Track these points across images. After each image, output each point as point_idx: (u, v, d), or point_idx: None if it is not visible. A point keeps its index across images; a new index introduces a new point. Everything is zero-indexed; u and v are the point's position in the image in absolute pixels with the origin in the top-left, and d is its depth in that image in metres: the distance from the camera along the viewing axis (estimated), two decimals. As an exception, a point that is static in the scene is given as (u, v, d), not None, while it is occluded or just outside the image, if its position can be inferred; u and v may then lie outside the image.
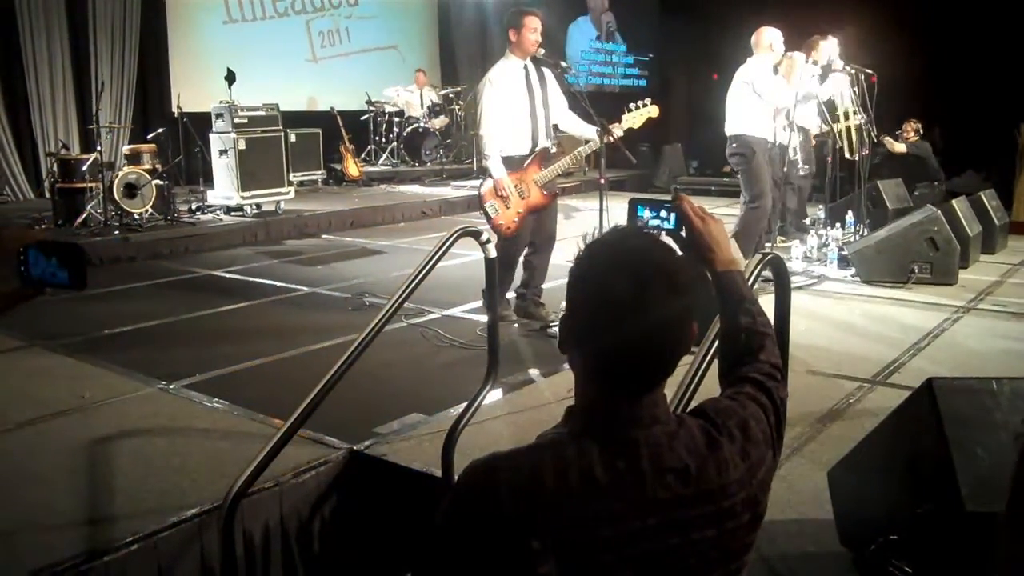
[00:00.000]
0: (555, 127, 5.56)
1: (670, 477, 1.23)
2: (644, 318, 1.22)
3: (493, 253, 3.29)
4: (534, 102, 5.28)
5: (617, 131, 5.17)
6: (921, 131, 10.14)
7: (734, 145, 6.72)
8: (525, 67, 5.30)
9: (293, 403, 2.83)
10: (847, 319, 5.53)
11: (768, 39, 6.69)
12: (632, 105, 5.32)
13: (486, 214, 5.26)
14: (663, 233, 1.69)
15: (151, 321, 5.69)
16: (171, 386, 4.32)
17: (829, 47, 7.48)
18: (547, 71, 5.39)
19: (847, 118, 7.76)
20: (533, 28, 5.21)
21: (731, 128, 6.73)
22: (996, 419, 2.40)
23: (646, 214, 1.76)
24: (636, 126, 5.35)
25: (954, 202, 6.81)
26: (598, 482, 1.20)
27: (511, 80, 5.27)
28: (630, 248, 1.30)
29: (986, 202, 7.45)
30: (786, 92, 6.71)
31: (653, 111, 5.35)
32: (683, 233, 1.68)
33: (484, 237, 3.23)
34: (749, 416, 1.37)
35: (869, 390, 4.15)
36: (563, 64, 5.62)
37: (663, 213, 1.73)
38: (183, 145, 9.98)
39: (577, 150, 5.45)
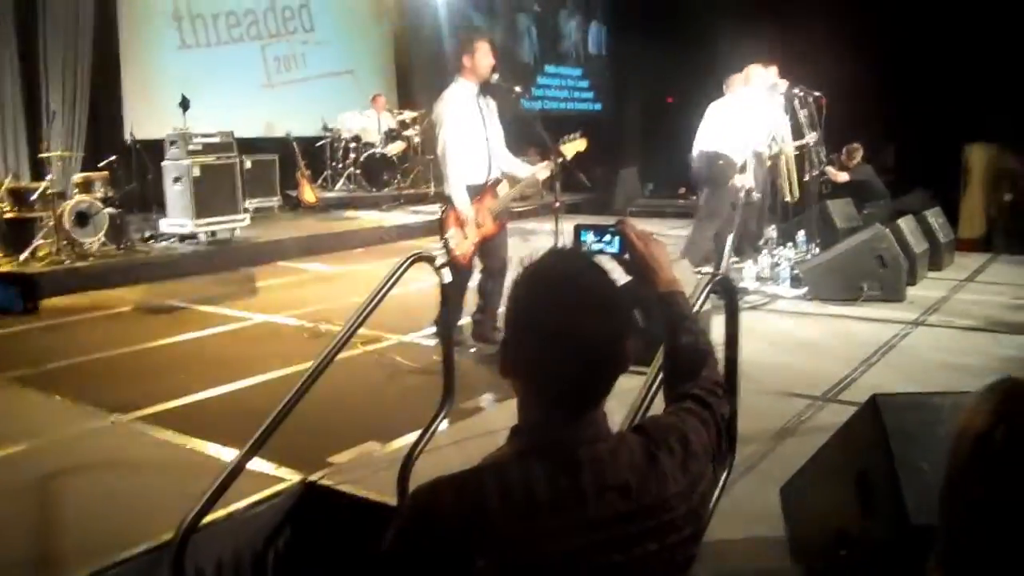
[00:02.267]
0: None
1: (611, 494, 1.25)
2: (576, 339, 1.25)
3: (448, 278, 3.30)
4: (487, 129, 5.28)
5: (544, 172, 5.25)
6: (862, 155, 10.31)
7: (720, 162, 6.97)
8: (477, 93, 5.30)
9: (247, 434, 2.81)
10: (799, 337, 5.62)
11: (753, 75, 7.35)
12: (566, 137, 5.37)
13: (446, 244, 5.20)
14: (608, 257, 1.72)
15: (102, 352, 5.60)
16: (122, 418, 4.25)
17: (765, 74, 7.73)
18: (491, 102, 5.40)
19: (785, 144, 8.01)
20: (486, 52, 5.24)
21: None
22: (939, 433, 2.44)
23: (590, 238, 1.79)
24: (569, 157, 5.37)
25: (901, 221, 6.97)
26: (541, 501, 1.22)
27: (466, 105, 5.26)
28: (562, 271, 1.33)
29: (932, 220, 7.62)
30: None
31: (581, 144, 5.38)
32: (627, 256, 1.72)
33: (438, 262, 3.24)
34: (689, 431, 1.40)
35: (820, 407, 4.21)
36: (517, 89, 5.67)
37: (606, 237, 1.76)
38: (136, 172, 9.87)
39: (524, 179, 5.45)
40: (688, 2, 13.66)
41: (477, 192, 5.24)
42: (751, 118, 7.19)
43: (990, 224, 10.85)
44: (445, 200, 5.30)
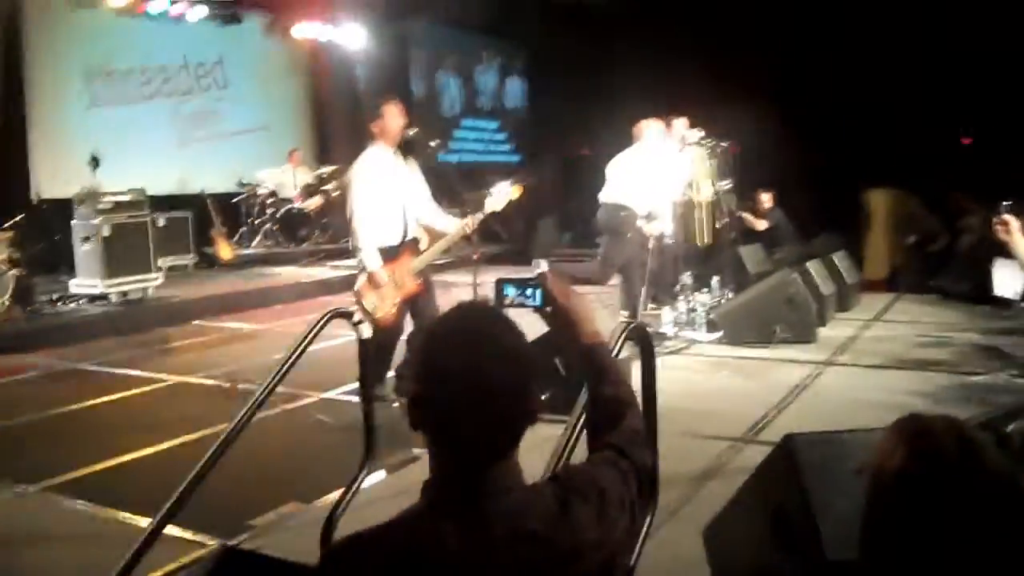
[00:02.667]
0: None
1: (523, 544, 1.26)
2: (480, 391, 1.28)
3: (366, 334, 3.28)
4: (403, 192, 5.28)
5: (471, 225, 5.30)
6: (774, 199, 10.64)
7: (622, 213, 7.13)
8: (392, 156, 5.31)
9: (162, 500, 2.73)
10: (717, 380, 5.74)
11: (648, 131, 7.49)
12: (495, 188, 5.45)
13: (364, 311, 5.08)
14: (533, 310, 1.75)
15: (7, 420, 5.37)
16: (30, 488, 4.08)
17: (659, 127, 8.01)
18: (412, 162, 5.44)
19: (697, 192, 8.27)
20: (395, 115, 5.27)
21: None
22: (850, 468, 2.52)
23: (512, 292, 1.81)
24: (499, 208, 5.46)
25: (809, 264, 7.22)
26: (452, 554, 1.23)
27: (380, 170, 5.25)
28: (467, 325, 1.36)
29: (838, 263, 7.91)
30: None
31: (515, 193, 5.46)
32: (548, 309, 1.75)
33: (356, 318, 3.23)
34: (605, 481, 1.42)
35: (740, 448, 4.30)
36: (432, 144, 5.73)
37: (528, 291, 1.79)
38: (44, 233, 9.57)
39: (448, 236, 5.42)
40: (603, 57, 14.05)
41: (393, 254, 5.21)
42: (656, 168, 7.37)
43: (894, 265, 11.31)
44: (359, 266, 5.25)
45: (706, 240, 8.41)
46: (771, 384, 5.51)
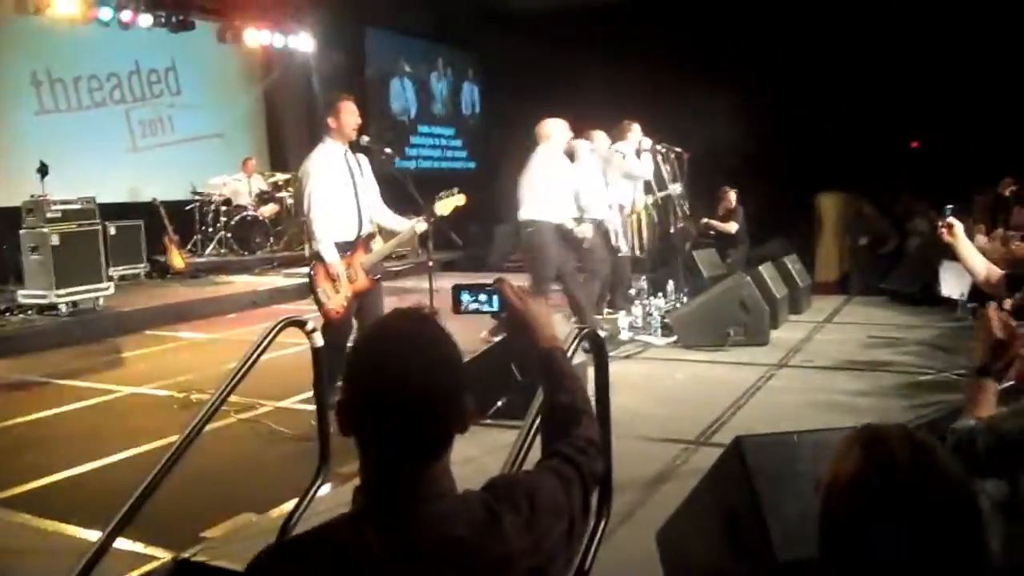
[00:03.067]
0: None
1: (449, 551, 1.26)
2: (405, 395, 1.27)
3: (319, 342, 3.26)
4: (356, 187, 5.28)
5: (421, 226, 5.34)
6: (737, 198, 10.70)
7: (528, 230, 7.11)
8: (345, 152, 5.30)
9: (113, 513, 2.69)
10: (671, 383, 5.79)
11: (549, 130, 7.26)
12: (442, 193, 5.47)
13: (317, 299, 5.17)
14: (491, 316, 1.76)
15: (-48, 435, 5.25)
16: (-26, 505, 3.98)
17: (637, 131, 8.05)
18: (363, 159, 5.43)
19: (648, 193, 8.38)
20: (350, 111, 5.26)
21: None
22: (799, 470, 2.57)
23: (467, 298, 1.82)
24: (446, 213, 5.48)
25: (761, 267, 7.32)
26: (375, 559, 1.23)
27: (333, 165, 5.24)
28: (397, 330, 1.36)
29: (790, 266, 8.03)
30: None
31: (460, 200, 5.50)
32: (504, 315, 1.75)
33: (309, 326, 3.21)
34: (540, 488, 1.41)
35: (694, 451, 4.34)
36: (387, 151, 5.73)
37: (483, 296, 1.80)
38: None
39: (400, 234, 5.47)
40: (557, 63, 14.11)
41: (348, 248, 5.22)
42: (569, 167, 7.35)
43: (844, 268, 11.52)
44: (315, 257, 5.25)
45: (643, 248, 8.44)
46: (725, 386, 5.56)
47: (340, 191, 5.23)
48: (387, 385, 1.29)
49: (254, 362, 2.93)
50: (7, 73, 11.23)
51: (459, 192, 5.51)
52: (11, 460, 4.70)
